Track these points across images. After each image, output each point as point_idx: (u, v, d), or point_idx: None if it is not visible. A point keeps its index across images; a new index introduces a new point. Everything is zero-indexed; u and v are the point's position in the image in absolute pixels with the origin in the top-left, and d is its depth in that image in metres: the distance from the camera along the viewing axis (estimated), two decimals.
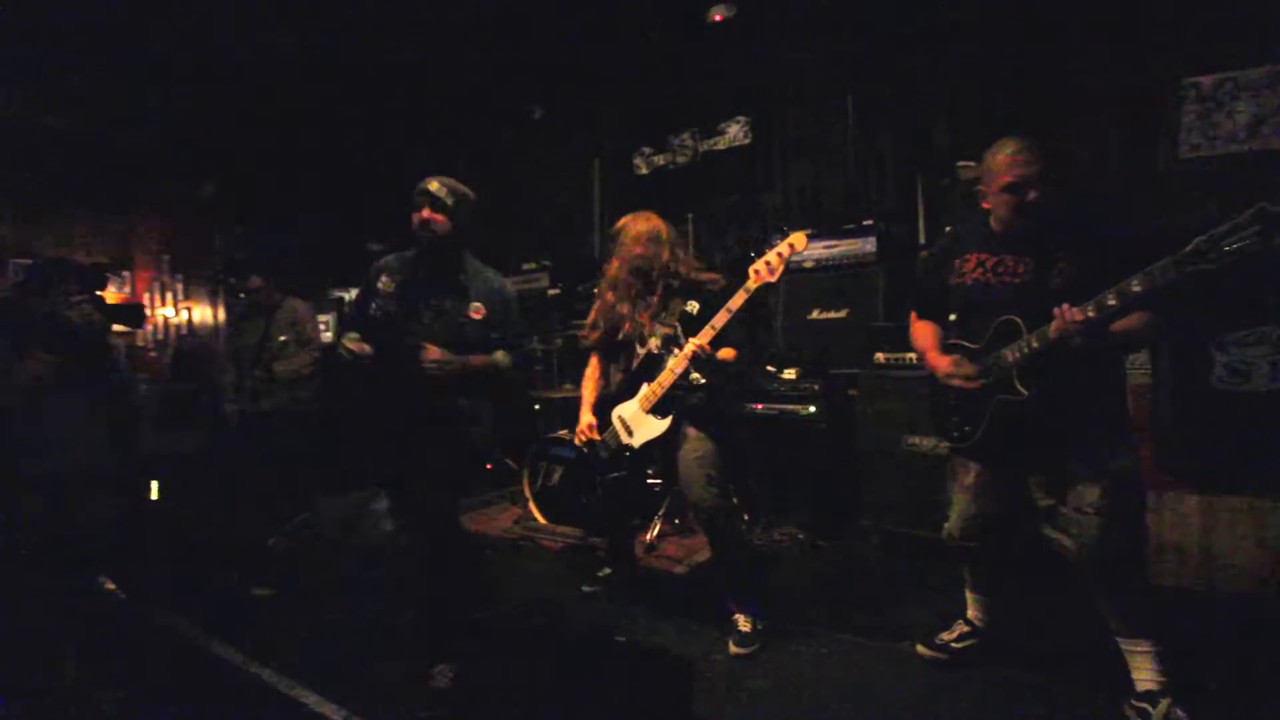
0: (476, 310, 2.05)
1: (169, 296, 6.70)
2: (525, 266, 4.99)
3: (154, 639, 2.31)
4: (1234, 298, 2.50)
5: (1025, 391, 1.64)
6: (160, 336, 6.81)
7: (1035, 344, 1.61)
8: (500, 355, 2.10)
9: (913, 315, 2.06)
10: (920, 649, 2.02)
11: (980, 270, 1.79)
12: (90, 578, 2.58)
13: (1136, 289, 1.43)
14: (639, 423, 2.26)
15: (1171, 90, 2.97)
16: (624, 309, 2.34)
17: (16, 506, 2.48)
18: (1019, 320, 1.66)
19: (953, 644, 2.00)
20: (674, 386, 2.18)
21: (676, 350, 2.19)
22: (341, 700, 1.84)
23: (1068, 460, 1.68)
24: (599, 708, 1.54)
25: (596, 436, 2.35)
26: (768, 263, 2.03)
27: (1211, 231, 1.32)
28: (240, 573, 2.78)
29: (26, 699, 1.86)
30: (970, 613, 2.04)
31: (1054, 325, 1.54)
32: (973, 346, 1.78)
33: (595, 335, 2.45)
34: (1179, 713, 1.57)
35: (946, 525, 1.97)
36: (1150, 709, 1.60)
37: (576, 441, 2.43)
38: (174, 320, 6.67)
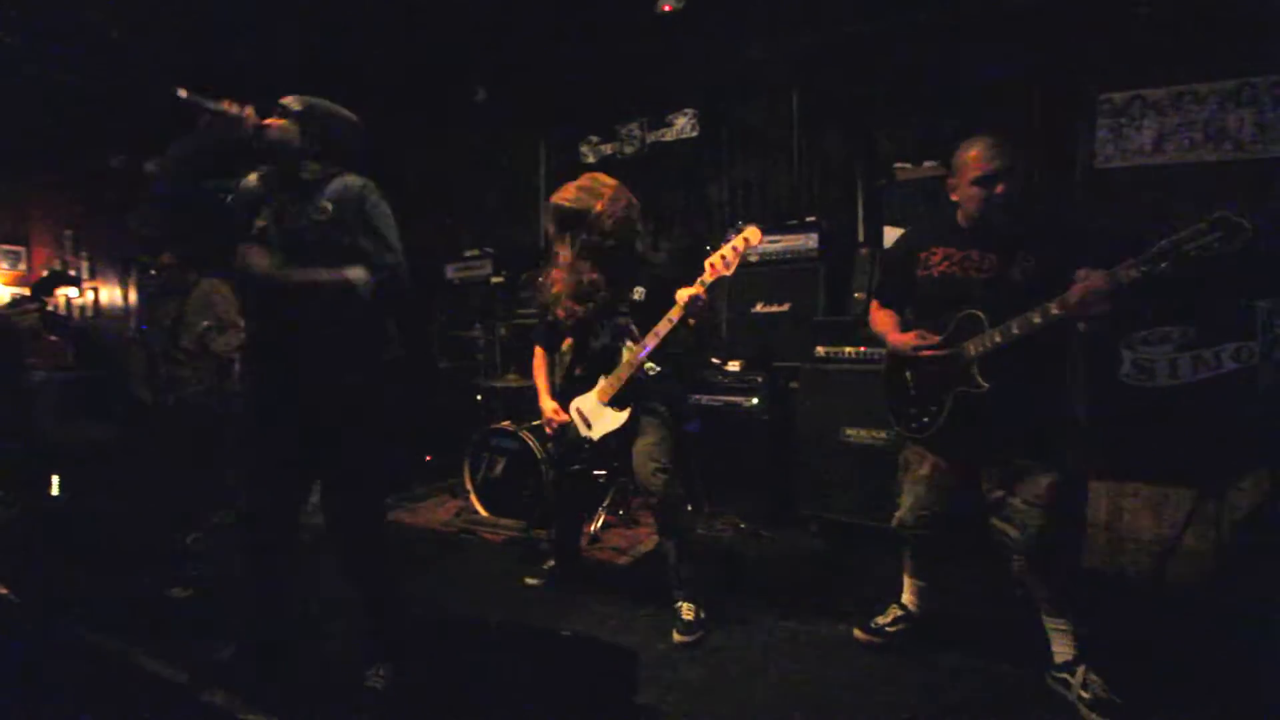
0: (321, 210, 1.70)
1: (72, 275, 6.18)
2: (468, 254, 4.86)
3: (53, 646, 2.13)
4: (1142, 299, 2.70)
5: (985, 384, 1.72)
6: (61, 318, 6.27)
7: (998, 338, 1.70)
8: (352, 272, 1.66)
9: (874, 305, 2.14)
10: (856, 633, 2.10)
11: (947, 264, 1.85)
12: None
13: (1134, 275, 1.53)
14: (598, 415, 2.26)
15: (1090, 103, 3.16)
16: (559, 288, 2.27)
17: None
18: (981, 315, 1.74)
19: (887, 628, 2.09)
20: (630, 378, 2.18)
21: (629, 341, 2.19)
22: (267, 710, 1.74)
23: (1021, 452, 1.77)
24: (542, 701, 1.52)
25: (565, 418, 2.33)
26: (723, 256, 2.05)
27: (1174, 236, 1.44)
28: (153, 573, 2.60)
29: None
30: (905, 597, 2.13)
31: (1074, 292, 1.57)
32: (935, 338, 1.86)
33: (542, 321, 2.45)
34: (1094, 677, 1.71)
35: (898, 514, 2.03)
36: (1069, 678, 1.74)
37: (547, 430, 2.41)
38: (77, 301, 6.16)
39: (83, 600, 2.37)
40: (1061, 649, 1.79)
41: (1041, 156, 3.23)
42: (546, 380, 2.45)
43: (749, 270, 3.74)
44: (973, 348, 1.75)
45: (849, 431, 2.91)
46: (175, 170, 1.72)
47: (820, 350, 3.11)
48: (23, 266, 6.11)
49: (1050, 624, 1.81)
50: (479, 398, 4.01)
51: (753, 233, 2.06)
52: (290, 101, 1.77)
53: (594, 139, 4.70)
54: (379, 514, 1.96)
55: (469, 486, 3.45)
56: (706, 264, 2.06)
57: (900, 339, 1.94)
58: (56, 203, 6.12)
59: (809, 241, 3.63)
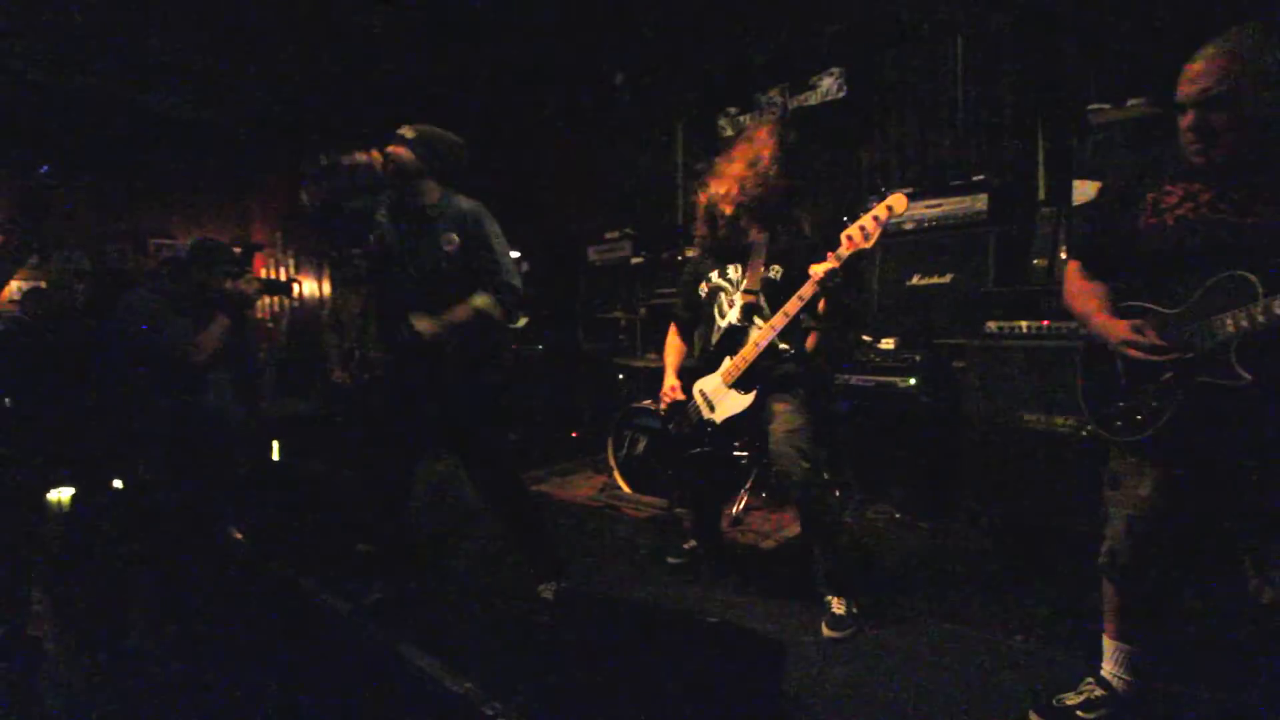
0: (449, 241, 2.06)
1: (282, 271, 7.22)
2: (608, 235, 4.95)
3: (276, 591, 2.50)
4: None
5: (1248, 376, 1.22)
6: (276, 309, 7.38)
7: (1277, 309, 1.18)
8: (480, 301, 2.04)
9: (1071, 269, 1.60)
10: (1033, 717, 1.55)
11: (1189, 205, 1.34)
12: (221, 530, 2.84)
13: None
14: (720, 397, 2.19)
15: None
16: (703, 268, 2.30)
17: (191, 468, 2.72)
18: (1252, 278, 1.23)
19: (1079, 712, 1.52)
20: (757, 360, 2.09)
21: (759, 320, 2.09)
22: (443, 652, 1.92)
23: None
24: (682, 685, 1.51)
25: (680, 397, 2.31)
26: (862, 228, 1.88)
27: None
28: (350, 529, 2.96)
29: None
30: (1106, 668, 1.55)
31: None
32: (1166, 311, 1.36)
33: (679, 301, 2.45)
34: None
35: (1106, 546, 1.51)
36: None
37: (663, 406, 2.39)
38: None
39: (296, 547, 2.76)
40: None
41: None
42: (677, 359, 2.43)
43: (903, 239, 3.43)
44: (1232, 322, 1.24)
45: (1028, 417, 2.57)
46: (334, 200, 2.13)
47: (992, 325, 2.76)
48: (247, 265, 7.27)
49: None
50: (620, 377, 4.10)
51: (897, 200, 1.88)
52: (405, 130, 2.10)
53: (732, 110, 4.55)
54: (513, 475, 2.32)
55: (612, 463, 3.55)
56: (843, 236, 1.91)
57: (1110, 326, 1.42)
58: (269, 205, 7.17)
59: (976, 204, 3.23)
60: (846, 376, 3.19)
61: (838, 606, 2.02)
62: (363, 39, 4.66)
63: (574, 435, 4.60)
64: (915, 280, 3.35)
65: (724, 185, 2.21)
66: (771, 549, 2.77)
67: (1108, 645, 1.56)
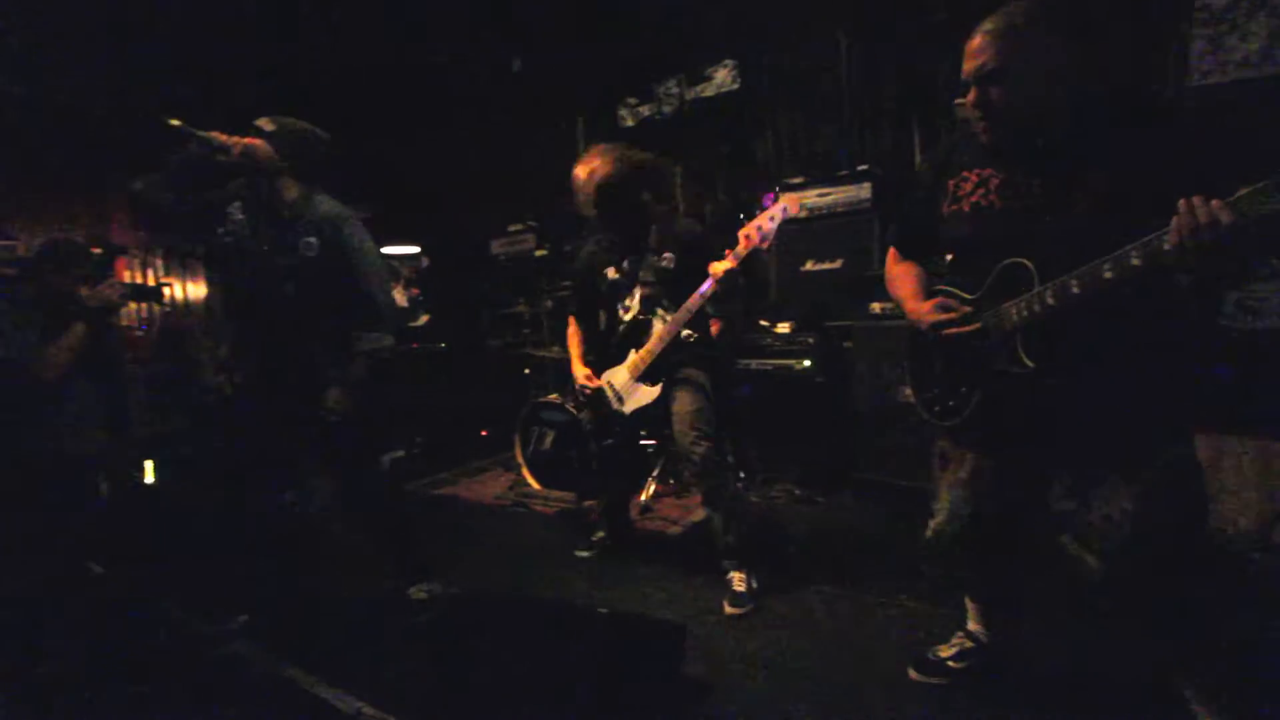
0: (308, 247, 1.96)
1: (151, 274, 6.56)
2: (511, 228, 4.84)
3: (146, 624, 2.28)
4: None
5: (1030, 364, 1.23)
6: (144, 315, 6.70)
7: (1051, 299, 1.18)
8: (368, 345, 2.01)
9: (891, 255, 1.62)
10: (912, 673, 1.66)
11: (981, 192, 1.33)
12: (82, 563, 2.55)
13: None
14: (630, 391, 2.22)
15: (1184, 12, 2.78)
16: (598, 260, 2.31)
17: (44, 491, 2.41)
18: (1029, 265, 1.23)
19: (949, 662, 1.64)
20: (663, 352, 2.13)
21: (660, 312, 2.13)
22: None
23: (1094, 452, 1.28)
24: (587, 677, 1.50)
25: (599, 383, 2.30)
26: (759, 228, 1.97)
27: None
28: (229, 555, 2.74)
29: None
30: (971, 624, 1.65)
31: (1173, 230, 1.01)
32: (967, 297, 1.37)
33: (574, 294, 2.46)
34: None
35: (934, 523, 1.55)
36: None
37: (580, 397, 2.38)
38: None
39: (165, 575, 2.52)
40: None
41: (1120, 76, 2.89)
42: (580, 348, 2.42)
43: (797, 227, 3.55)
44: (1014, 311, 1.25)
45: (908, 391, 2.73)
46: (169, 189, 1.91)
47: (875, 307, 2.93)
48: (109, 270, 6.55)
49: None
50: (527, 371, 4.03)
51: (790, 201, 1.98)
52: (264, 122, 1.96)
53: (631, 101, 4.56)
54: (379, 480, 2.30)
55: (520, 460, 3.47)
56: (741, 235, 1.98)
57: (918, 308, 1.44)
58: (130, 205, 6.49)
59: (861, 193, 3.41)
60: (747, 361, 3.29)
61: (739, 584, 2.08)
62: (241, 16, 4.29)
63: (483, 434, 4.47)
64: (809, 266, 3.49)
65: (578, 195, 2.22)
66: (679, 535, 2.81)
67: (968, 604, 1.67)
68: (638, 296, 2.22)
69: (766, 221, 1.96)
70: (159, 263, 6.55)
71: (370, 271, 2.02)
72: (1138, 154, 1.16)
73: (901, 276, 1.57)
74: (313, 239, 1.95)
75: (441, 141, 5.71)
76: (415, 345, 4.64)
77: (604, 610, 1.64)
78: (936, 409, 1.47)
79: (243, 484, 2.17)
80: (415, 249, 5.31)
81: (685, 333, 2.18)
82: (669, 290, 2.17)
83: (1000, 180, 1.31)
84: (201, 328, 4.04)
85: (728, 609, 2.03)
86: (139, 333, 6.64)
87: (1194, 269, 1.03)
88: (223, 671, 1.95)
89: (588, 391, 2.33)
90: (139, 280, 6.58)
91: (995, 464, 1.44)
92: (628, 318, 2.24)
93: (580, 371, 2.36)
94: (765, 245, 1.98)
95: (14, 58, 4.88)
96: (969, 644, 1.64)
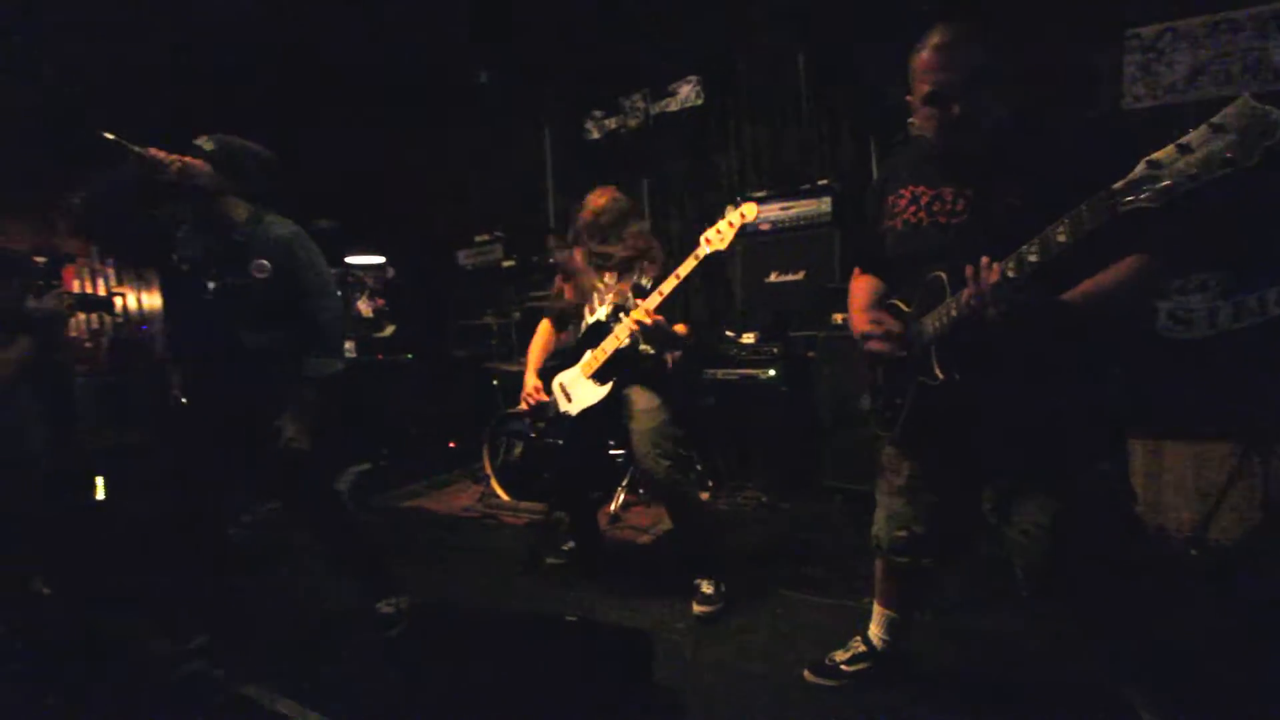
0: (259, 269, 1.90)
1: (100, 283, 6.33)
2: (478, 239, 4.84)
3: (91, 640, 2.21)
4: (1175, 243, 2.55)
5: (940, 375, 1.27)
6: (95, 326, 6.46)
7: (954, 311, 1.22)
8: (315, 367, 1.94)
9: (855, 271, 1.68)
10: (807, 674, 1.73)
11: (913, 209, 1.38)
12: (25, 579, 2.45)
13: (1061, 238, 1.05)
14: (577, 389, 2.24)
15: (1115, 40, 2.96)
16: (581, 280, 2.35)
17: None
18: (943, 277, 1.27)
19: (843, 666, 1.71)
20: (618, 354, 2.16)
21: (623, 318, 2.16)
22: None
23: (1013, 465, 1.32)
24: (556, 685, 1.52)
25: (544, 398, 2.32)
26: (719, 231, 2.03)
27: (1149, 157, 0.97)
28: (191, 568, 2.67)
29: None
30: (872, 629, 1.72)
31: (966, 289, 1.15)
32: (907, 310, 1.41)
33: (553, 305, 2.48)
34: None
35: (874, 530, 1.60)
36: None
37: (523, 406, 2.39)
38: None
39: (115, 595, 2.44)
40: None
41: (1059, 98, 3.05)
42: (540, 357, 2.43)
43: (762, 239, 3.66)
44: (931, 324, 1.29)
45: (866, 400, 2.83)
46: (103, 204, 1.83)
47: (837, 318, 3.03)
48: (56, 281, 6.30)
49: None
50: (495, 382, 4.02)
51: (748, 208, 2.03)
52: (203, 141, 1.91)
53: (597, 114, 4.61)
54: (331, 497, 2.25)
55: (489, 471, 3.46)
56: (702, 239, 2.05)
57: (858, 321, 1.49)
58: (79, 211, 6.26)
59: (822, 206, 3.52)
60: (714, 372, 3.35)
61: (706, 586, 2.13)
62: (203, 15, 4.19)
63: (450, 446, 4.44)
64: (773, 277, 3.58)
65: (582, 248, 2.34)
66: (648, 543, 2.84)
67: (875, 610, 1.72)
68: (610, 303, 2.26)
69: (726, 225, 2.04)
70: (110, 272, 6.34)
71: (317, 293, 1.96)
72: (1050, 168, 1.20)
73: (855, 291, 1.63)
74: (265, 261, 1.91)
75: (408, 151, 5.67)
76: (380, 356, 4.58)
77: (572, 618, 1.66)
78: (879, 419, 1.52)
79: (198, 500, 2.12)
80: (381, 259, 5.25)
81: (643, 347, 2.22)
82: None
83: (929, 196, 1.36)
84: (162, 340, 3.92)
85: (695, 608, 2.07)
86: (88, 344, 6.40)
87: (991, 313, 1.13)
88: (182, 692, 1.90)
89: (530, 402, 2.34)
90: (88, 290, 6.36)
91: (928, 473, 1.48)
92: (590, 319, 2.29)
93: (530, 381, 2.37)
94: (724, 247, 2.04)
95: None
96: (862, 648, 1.72)
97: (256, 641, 2.11)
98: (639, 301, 2.11)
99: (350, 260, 4.81)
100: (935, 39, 1.26)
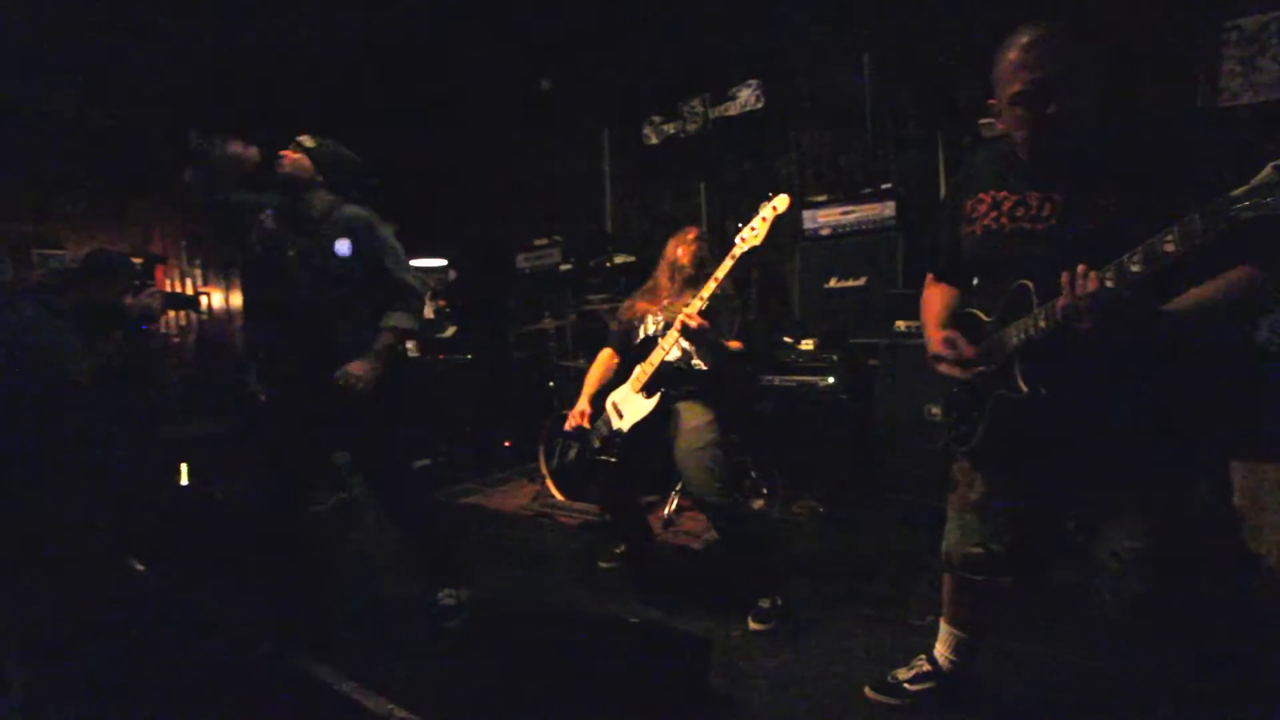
0: (342, 247, 2.03)
1: (189, 284, 6.77)
2: (537, 243, 4.93)
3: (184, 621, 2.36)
4: None
5: (1024, 389, 1.20)
6: (183, 323, 6.91)
7: (1043, 322, 1.15)
8: (394, 319, 2.05)
9: (928, 278, 1.61)
10: (868, 691, 1.68)
11: (993, 214, 1.32)
12: (122, 560, 2.64)
13: (1169, 248, 0.97)
14: (628, 405, 2.22)
15: (1212, 34, 2.78)
16: (643, 306, 2.38)
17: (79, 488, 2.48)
18: (1030, 286, 1.20)
19: (906, 684, 1.65)
20: (665, 368, 2.15)
21: (671, 333, 2.16)
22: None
23: (1104, 484, 1.24)
24: (612, 687, 1.53)
25: (586, 424, 2.32)
26: (752, 228, 2.03)
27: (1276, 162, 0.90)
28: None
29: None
30: (938, 649, 1.65)
31: (1061, 298, 1.09)
32: (986, 320, 1.35)
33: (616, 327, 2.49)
34: None
35: (945, 545, 1.54)
36: None
37: (566, 426, 2.40)
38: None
39: (202, 574, 2.60)
40: None
41: (1151, 97, 2.88)
42: (597, 384, 2.40)
43: (821, 244, 3.60)
44: (1014, 335, 1.22)
45: (934, 410, 2.74)
46: (201, 189, 2.05)
47: (901, 325, 2.94)
48: (150, 280, 6.78)
49: None
50: (551, 384, 4.08)
51: (781, 200, 2.02)
52: (304, 138, 2.08)
53: (656, 119, 4.63)
54: (413, 483, 2.31)
55: (545, 471, 3.52)
56: (738, 237, 2.04)
57: (931, 338, 1.43)
58: (172, 216, 6.71)
59: (885, 210, 3.44)
60: (770, 378, 3.30)
61: (763, 601, 2.09)
62: (279, 33, 4.45)
63: (506, 445, 4.53)
64: (832, 283, 3.51)
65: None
66: (701, 549, 2.82)
67: (942, 628, 1.64)
68: (662, 320, 2.27)
69: (760, 221, 2.02)
70: (197, 273, 6.78)
71: (395, 264, 2.09)
72: (1149, 171, 1.14)
73: (928, 301, 1.57)
74: (345, 240, 2.03)
75: (469, 156, 5.85)
76: (441, 356, 4.73)
77: (634, 620, 1.67)
78: (953, 433, 1.47)
79: (279, 486, 2.20)
80: (443, 262, 5.43)
81: (695, 361, 2.21)
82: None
83: (1013, 201, 1.30)
84: (242, 335, 4.15)
85: (751, 625, 2.04)
86: (176, 339, 6.86)
87: (1085, 325, 1.06)
88: (258, 668, 2.01)
89: (575, 424, 2.33)
90: (177, 289, 6.81)
91: (1004, 490, 1.42)
92: (642, 336, 2.29)
93: (580, 405, 2.35)
94: (760, 242, 2.02)
95: (60, 74, 5.11)
96: (927, 667, 1.65)
97: (326, 625, 2.21)
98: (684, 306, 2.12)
99: (412, 263, 4.99)
100: (1026, 36, 1.20)
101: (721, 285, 2.05)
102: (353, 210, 2.09)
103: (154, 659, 2.04)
